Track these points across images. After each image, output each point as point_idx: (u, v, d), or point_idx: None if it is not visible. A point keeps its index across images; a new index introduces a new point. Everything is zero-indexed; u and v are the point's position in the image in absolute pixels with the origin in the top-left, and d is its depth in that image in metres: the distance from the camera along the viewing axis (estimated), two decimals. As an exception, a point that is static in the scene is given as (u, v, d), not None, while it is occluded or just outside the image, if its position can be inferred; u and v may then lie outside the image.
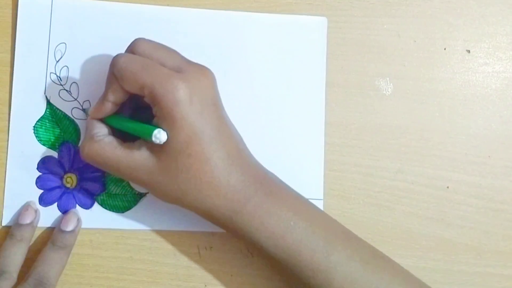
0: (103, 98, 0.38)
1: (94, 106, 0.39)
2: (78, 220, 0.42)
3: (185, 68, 0.37)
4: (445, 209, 0.44)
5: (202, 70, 0.37)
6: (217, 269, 0.43)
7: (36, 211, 0.41)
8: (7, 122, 0.42)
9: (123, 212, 0.43)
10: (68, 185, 0.42)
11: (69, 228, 0.41)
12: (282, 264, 0.37)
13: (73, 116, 0.43)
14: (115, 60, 0.37)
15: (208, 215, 0.38)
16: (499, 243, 0.44)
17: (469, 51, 0.46)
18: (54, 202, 0.42)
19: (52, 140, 0.42)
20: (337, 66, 0.45)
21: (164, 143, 0.35)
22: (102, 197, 0.43)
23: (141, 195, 0.43)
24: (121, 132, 0.39)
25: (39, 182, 0.42)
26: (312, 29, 0.45)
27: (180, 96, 0.35)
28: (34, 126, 0.42)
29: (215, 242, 0.43)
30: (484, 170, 0.45)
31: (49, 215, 0.42)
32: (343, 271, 0.36)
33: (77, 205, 0.42)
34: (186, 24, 0.44)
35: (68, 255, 0.41)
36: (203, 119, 0.36)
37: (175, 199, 0.37)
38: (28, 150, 0.42)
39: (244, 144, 0.39)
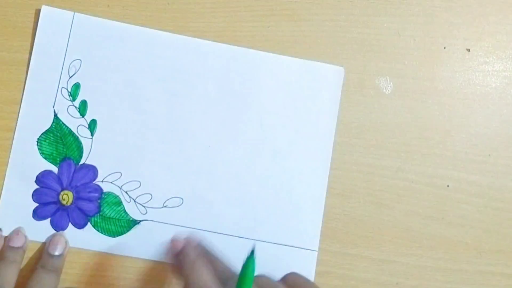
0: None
1: None
2: (66, 243, 0.41)
3: None
4: (446, 207, 0.44)
5: None
6: (217, 268, 0.43)
7: (25, 236, 0.41)
8: (12, 134, 0.42)
9: (114, 237, 0.42)
10: (64, 202, 0.42)
11: (57, 252, 0.41)
12: None
13: (78, 133, 0.42)
14: None
15: None
16: (500, 242, 0.44)
17: (469, 50, 0.46)
18: (48, 218, 0.42)
19: (54, 154, 0.42)
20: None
21: None
22: (95, 219, 0.42)
23: (134, 222, 0.42)
24: None
25: (35, 195, 0.42)
26: (328, 77, 0.44)
27: None
28: (38, 139, 0.42)
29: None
30: (484, 168, 0.45)
31: (41, 230, 0.42)
32: None
33: (70, 223, 0.42)
34: (202, 56, 0.43)
35: (59, 276, 0.41)
36: None
37: None
38: (29, 162, 0.42)
39: None
